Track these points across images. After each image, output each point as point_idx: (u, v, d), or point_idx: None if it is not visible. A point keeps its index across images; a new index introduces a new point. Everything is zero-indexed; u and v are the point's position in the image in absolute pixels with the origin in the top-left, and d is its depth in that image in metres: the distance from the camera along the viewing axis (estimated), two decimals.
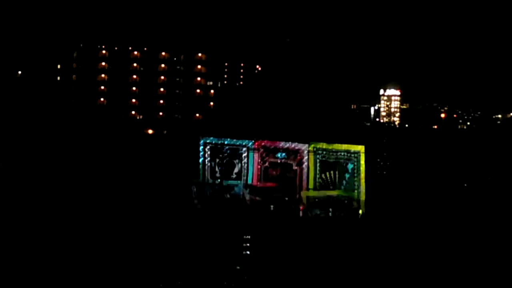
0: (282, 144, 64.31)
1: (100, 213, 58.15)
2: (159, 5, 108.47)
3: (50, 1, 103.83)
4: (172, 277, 46.97)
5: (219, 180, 62.33)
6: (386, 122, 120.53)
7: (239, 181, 63.28)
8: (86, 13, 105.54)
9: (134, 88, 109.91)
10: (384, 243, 54.41)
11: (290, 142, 64.22)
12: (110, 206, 60.01)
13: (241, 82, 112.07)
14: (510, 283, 47.19)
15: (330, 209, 62.08)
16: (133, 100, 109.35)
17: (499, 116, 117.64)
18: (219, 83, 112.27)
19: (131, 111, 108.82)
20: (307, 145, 63.95)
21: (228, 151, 63.09)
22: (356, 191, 62.67)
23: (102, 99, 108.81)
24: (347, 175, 63.18)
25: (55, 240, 50.98)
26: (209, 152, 63.45)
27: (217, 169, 62.88)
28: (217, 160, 62.77)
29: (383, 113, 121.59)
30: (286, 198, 63.52)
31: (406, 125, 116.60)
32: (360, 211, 61.56)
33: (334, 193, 62.42)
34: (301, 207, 62.91)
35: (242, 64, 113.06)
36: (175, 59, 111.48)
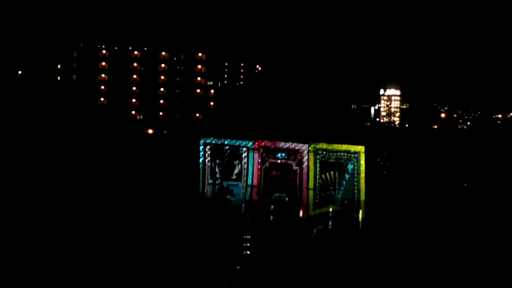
0: (282, 144, 64.32)
1: (100, 213, 58.20)
2: (159, 5, 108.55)
3: (50, 1, 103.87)
4: (172, 277, 47.01)
5: (219, 180, 62.32)
6: (386, 122, 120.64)
7: (239, 182, 63.28)
8: (86, 13, 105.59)
9: (134, 88, 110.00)
10: (384, 243, 54.44)
11: (290, 142, 64.23)
12: (110, 206, 60.07)
13: (241, 82, 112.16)
14: (510, 283, 47.23)
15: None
16: (133, 100, 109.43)
17: (499, 116, 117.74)
18: (219, 83, 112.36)
19: (131, 111, 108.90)
20: (307, 145, 63.96)
21: (228, 151, 63.12)
22: (355, 191, 62.70)
23: (102, 99, 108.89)
24: (347, 176, 63.16)
25: (54, 241, 51.00)
26: (209, 152, 63.45)
27: (217, 169, 62.85)
28: (217, 160, 62.75)
29: (383, 113, 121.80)
30: (287, 199, 63.57)
31: (406, 125, 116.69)
32: (360, 218, 61.55)
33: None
34: (301, 208, 62.96)
35: (242, 64, 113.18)
36: (175, 59, 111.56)
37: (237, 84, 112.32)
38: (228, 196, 62.47)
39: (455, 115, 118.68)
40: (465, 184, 74.94)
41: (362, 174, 62.74)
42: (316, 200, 62.43)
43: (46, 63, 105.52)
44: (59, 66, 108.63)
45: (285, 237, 56.67)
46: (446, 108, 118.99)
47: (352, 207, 62.54)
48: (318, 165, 63.45)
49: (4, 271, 44.72)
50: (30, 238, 51.60)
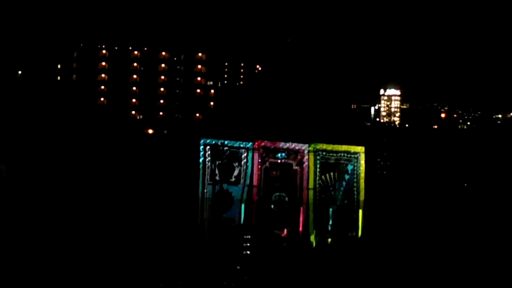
0: (282, 144, 64.32)
1: (100, 213, 58.18)
2: (159, 5, 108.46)
3: (50, 1, 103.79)
4: (172, 277, 47.01)
5: (219, 184, 62.23)
6: (386, 122, 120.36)
7: (238, 185, 63.23)
8: (86, 13, 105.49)
9: (134, 88, 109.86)
10: (384, 243, 54.43)
11: (290, 143, 64.24)
12: (110, 206, 60.06)
13: (241, 82, 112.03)
14: (511, 283, 47.24)
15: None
16: (133, 100, 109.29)
17: (499, 116, 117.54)
18: (219, 83, 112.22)
19: (131, 111, 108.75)
20: (307, 145, 64.00)
21: (228, 152, 63.07)
22: (355, 191, 62.72)
23: (102, 99, 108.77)
24: (347, 176, 63.23)
25: (54, 241, 51.02)
26: (209, 152, 63.42)
27: (217, 171, 62.83)
28: (217, 161, 62.70)
29: (383, 113, 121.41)
30: (287, 199, 63.53)
31: (406, 125, 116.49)
32: (360, 218, 61.51)
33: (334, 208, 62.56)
34: (301, 208, 62.94)
35: (242, 64, 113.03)
36: (175, 59, 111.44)
37: (237, 84, 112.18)
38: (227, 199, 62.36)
39: (455, 115, 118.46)
40: (465, 184, 74.94)
41: (362, 175, 62.76)
42: (316, 201, 62.45)
43: (46, 63, 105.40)
44: (59, 66, 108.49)
45: (285, 238, 56.68)
46: (446, 108, 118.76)
47: (352, 207, 62.59)
48: (318, 165, 63.47)
49: (4, 271, 44.72)
50: (30, 238, 51.59)
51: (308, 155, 63.49)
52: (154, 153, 75.83)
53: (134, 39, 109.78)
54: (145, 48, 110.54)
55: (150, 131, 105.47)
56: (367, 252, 53.18)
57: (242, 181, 62.99)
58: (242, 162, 63.22)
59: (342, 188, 63.19)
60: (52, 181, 65.21)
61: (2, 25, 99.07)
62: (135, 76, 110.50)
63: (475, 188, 73.95)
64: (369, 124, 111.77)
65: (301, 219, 62.19)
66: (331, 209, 62.57)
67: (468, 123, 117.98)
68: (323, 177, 63.14)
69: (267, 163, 64.23)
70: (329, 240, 59.80)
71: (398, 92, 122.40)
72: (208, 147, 63.40)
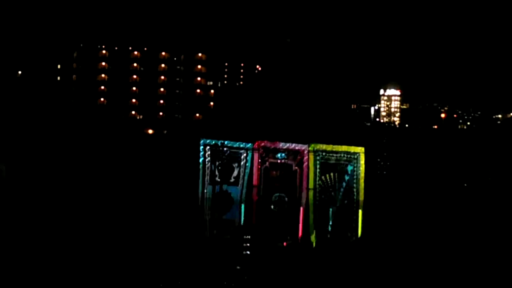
0: (282, 144, 64.36)
1: (100, 213, 58.20)
2: (159, 5, 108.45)
3: (50, 1, 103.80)
4: (172, 277, 47.03)
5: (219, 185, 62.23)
6: (386, 122, 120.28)
7: (238, 185, 63.27)
8: (86, 13, 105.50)
9: (134, 88, 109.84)
10: (384, 244, 54.48)
11: (290, 143, 64.28)
12: (110, 206, 60.07)
13: (241, 82, 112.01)
14: (511, 283, 47.25)
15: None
16: (133, 100, 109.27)
17: (499, 116, 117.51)
18: (219, 83, 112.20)
19: (131, 111, 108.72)
20: (307, 145, 64.05)
21: (228, 152, 63.08)
22: (355, 192, 62.75)
23: (102, 99, 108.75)
24: (346, 177, 63.28)
25: (54, 241, 51.06)
26: (209, 152, 63.44)
27: (216, 172, 62.84)
28: (217, 162, 62.71)
29: (383, 113, 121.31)
30: (287, 199, 63.55)
31: (406, 125, 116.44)
32: (360, 218, 61.53)
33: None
34: (301, 208, 62.95)
35: (242, 64, 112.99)
36: (175, 59, 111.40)
37: (237, 84, 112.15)
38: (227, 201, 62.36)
39: (455, 115, 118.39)
40: (465, 184, 74.96)
41: (362, 175, 62.82)
42: (316, 201, 62.48)
43: (46, 63, 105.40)
44: (59, 66, 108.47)
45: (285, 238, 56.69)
46: (446, 108, 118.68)
47: (351, 207, 62.64)
48: (318, 166, 63.50)
49: (4, 270, 44.75)
50: (30, 237, 51.61)
51: (308, 155, 63.52)
52: (154, 153, 75.84)
53: (134, 39, 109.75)
54: (145, 48, 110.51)
55: (150, 131, 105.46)
56: (367, 252, 53.20)
57: (241, 181, 63.02)
58: (242, 163, 63.26)
59: (342, 189, 63.25)
60: (52, 181, 65.22)
61: (2, 25, 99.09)
62: (135, 76, 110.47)
63: (475, 188, 73.94)
64: (369, 124, 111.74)
65: (301, 219, 62.21)
66: (331, 210, 62.64)
67: (468, 123, 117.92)
68: (323, 177, 63.19)
69: (267, 163, 64.29)
70: (329, 240, 59.87)
71: (398, 92, 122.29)
72: (208, 147, 63.43)
